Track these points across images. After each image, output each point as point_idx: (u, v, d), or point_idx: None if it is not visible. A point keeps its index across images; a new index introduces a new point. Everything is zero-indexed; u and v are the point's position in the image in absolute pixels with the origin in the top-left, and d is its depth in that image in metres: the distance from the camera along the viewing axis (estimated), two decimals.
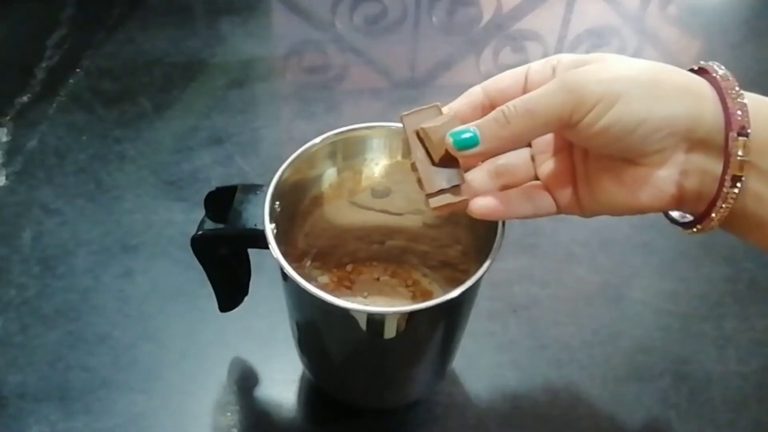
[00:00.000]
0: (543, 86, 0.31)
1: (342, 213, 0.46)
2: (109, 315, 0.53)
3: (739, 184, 0.30)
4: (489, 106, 0.34)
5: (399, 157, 0.43)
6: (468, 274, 0.36)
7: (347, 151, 0.43)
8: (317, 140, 0.41)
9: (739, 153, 0.29)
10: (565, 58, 0.33)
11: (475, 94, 0.35)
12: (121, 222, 0.59)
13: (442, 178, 0.33)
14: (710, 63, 0.32)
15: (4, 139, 0.65)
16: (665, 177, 0.31)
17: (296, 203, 0.43)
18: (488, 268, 0.36)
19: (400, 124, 0.35)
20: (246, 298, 0.46)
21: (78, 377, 0.49)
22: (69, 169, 0.63)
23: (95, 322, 0.52)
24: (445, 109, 0.35)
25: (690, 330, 0.53)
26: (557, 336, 0.52)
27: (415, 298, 0.49)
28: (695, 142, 0.31)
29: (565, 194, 0.35)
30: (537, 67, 0.34)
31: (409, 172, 0.37)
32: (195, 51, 0.76)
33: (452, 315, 0.40)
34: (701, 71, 0.32)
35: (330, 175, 0.44)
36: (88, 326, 0.52)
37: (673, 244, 0.59)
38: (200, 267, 0.42)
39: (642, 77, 0.30)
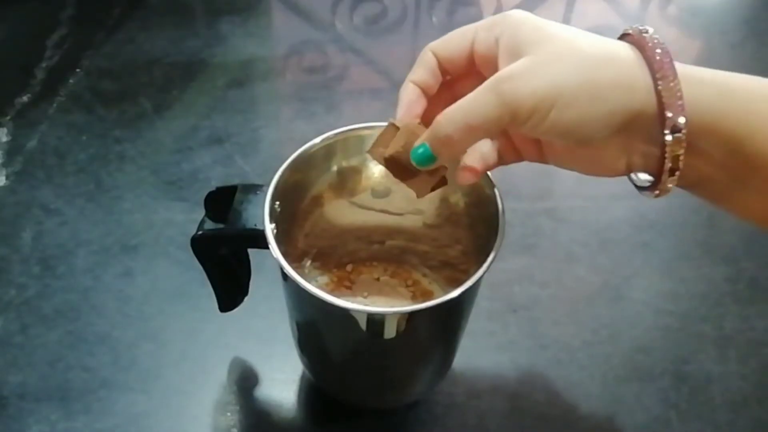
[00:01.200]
0: (477, 93, 0.31)
1: (342, 213, 0.46)
2: (109, 315, 0.53)
3: (677, 173, 0.31)
4: (444, 69, 0.35)
5: None
6: (468, 274, 0.36)
7: (347, 151, 0.43)
8: (317, 140, 0.41)
9: (674, 150, 0.30)
10: (507, 32, 0.33)
11: (429, 60, 0.35)
12: (121, 222, 0.59)
13: (428, 180, 0.35)
14: (643, 35, 0.31)
15: (4, 139, 0.65)
16: (613, 157, 0.33)
17: (296, 203, 0.43)
18: (488, 268, 0.36)
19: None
20: (246, 298, 0.46)
21: (78, 377, 0.49)
22: (69, 169, 0.63)
23: (95, 322, 0.52)
24: (405, 83, 0.36)
25: (690, 330, 0.53)
26: (557, 336, 0.52)
27: (415, 298, 0.49)
28: (634, 131, 0.31)
29: (531, 153, 0.36)
30: (483, 35, 0.34)
31: None
32: (195, 51, 0.76)
33: (452, 315, 0.40)
34: (634, 40, 0.32)
35: (330, 175, 0.44)
36: (88, 326, 0.52)
37: (673, 244, 0.59)
38: (200, 267, 0.42)
39: (575, 79, 0.30)
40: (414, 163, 0.34)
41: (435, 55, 0.35)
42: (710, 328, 0.53)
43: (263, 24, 0.82)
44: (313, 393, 0.50)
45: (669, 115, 0.30)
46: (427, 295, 0.49)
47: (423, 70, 0.35)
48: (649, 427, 0.48)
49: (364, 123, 0.42)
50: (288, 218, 0.41)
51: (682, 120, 0.30)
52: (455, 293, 0.35)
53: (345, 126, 0.42)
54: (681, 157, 0.30)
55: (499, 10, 0.84)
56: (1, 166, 0.63)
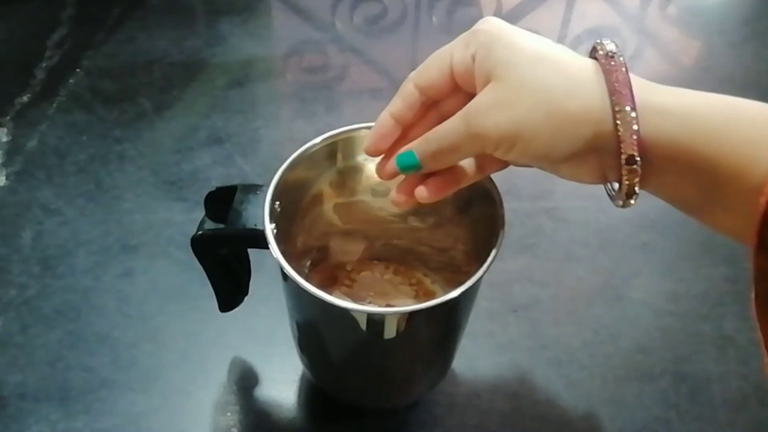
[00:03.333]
0: (451, 122, 0.33)
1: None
2: (109, 315, 0.53)
3: (635, 196, 0.32)
4: (426, 101, 0.36)
5: None
6: (469, 275, 0.36)
7: (347, 151, 0.43)
8: (317, 140, 0.41)
9: (629, 179, 0.31)
10: (480, 51, 0.33)
11: (410, 94, 0.36)
12: (121, 222, 0.59)
13: None
14: (609, 58, 0.31)
15: (4, 139, 0.65)
16: (589, 169, 0.33)
17: (296, 203, 0.43)
18: (488, 268, 0.36)
19: None
20: (246, 298, 0.46)
21: (78, 377, 0.49)
22: (69, 169, 0.63)
23: (95, 322, 0.52)
24: (384, 114, 0.36)
25: (690, 330, 0.53)
26: (557, 336, 0.52)
27: (418, 297, 0.49)
28: (602, 152, 0.31)
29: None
30: (459, 57, 0.34)
31: None
32: (195, 51, 0.76)
33: (452, 315, 0.40)
34: (600, 62, 0.31)
35: (330, 175, 0.44)
36: (88, 326, 0.52)
37: (673, 244, 0.59)
38: (200, 267, 0.42)
39: (535, 114, 0.31)
40: (398, 168, 0.35)
41: (416, 86, 0.35)
42: (710, 328, 0.53)
43: (263, 24, 0.82)
44: (313, 393, 0.50)
45: (623, 147, 0.30)
46: (430, 295, 0.49)
47: (402, 103, 0.36)
48: (649, 427, 0.48)
49: (364, 123, 0.42)
50: (288, 218, 0.41)
51: (635, 154, 0.30)
52: (455, 293, 0.35)
53: (345, 126, 0.42)
54: (636, 186, 0.31)
55: (498, 10, 0.84)
56: (1, 166, 0.63)
